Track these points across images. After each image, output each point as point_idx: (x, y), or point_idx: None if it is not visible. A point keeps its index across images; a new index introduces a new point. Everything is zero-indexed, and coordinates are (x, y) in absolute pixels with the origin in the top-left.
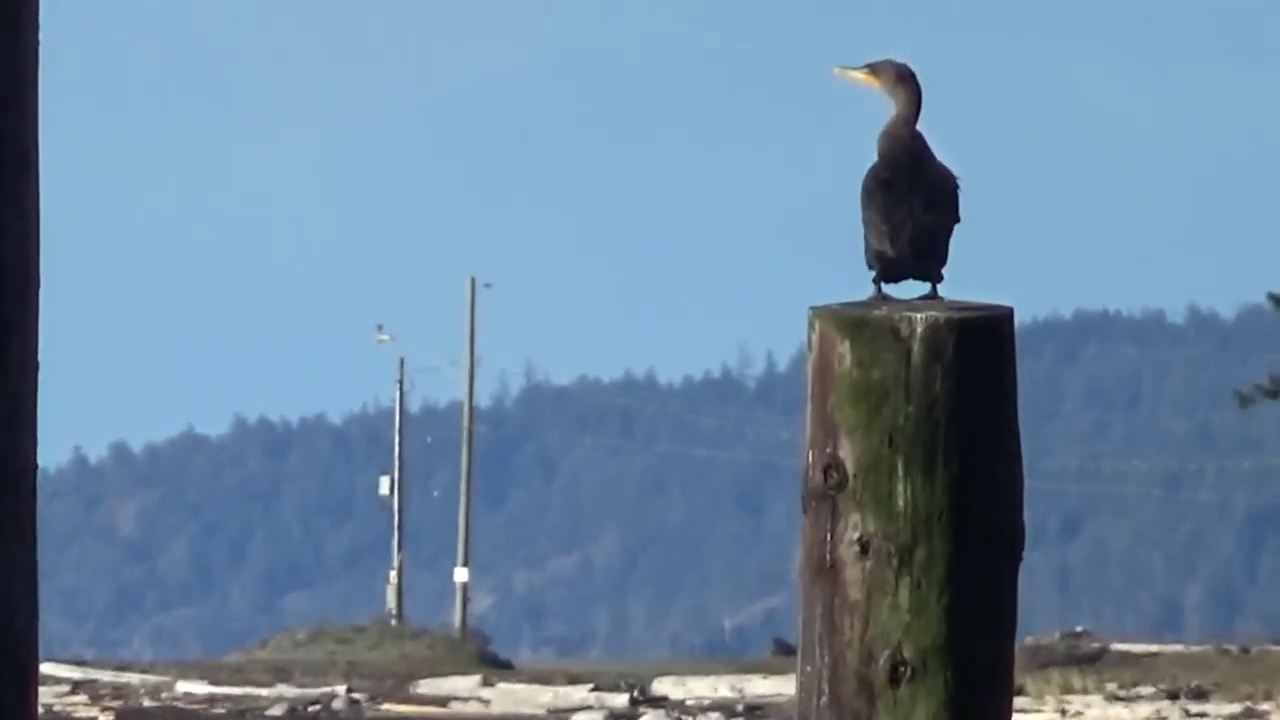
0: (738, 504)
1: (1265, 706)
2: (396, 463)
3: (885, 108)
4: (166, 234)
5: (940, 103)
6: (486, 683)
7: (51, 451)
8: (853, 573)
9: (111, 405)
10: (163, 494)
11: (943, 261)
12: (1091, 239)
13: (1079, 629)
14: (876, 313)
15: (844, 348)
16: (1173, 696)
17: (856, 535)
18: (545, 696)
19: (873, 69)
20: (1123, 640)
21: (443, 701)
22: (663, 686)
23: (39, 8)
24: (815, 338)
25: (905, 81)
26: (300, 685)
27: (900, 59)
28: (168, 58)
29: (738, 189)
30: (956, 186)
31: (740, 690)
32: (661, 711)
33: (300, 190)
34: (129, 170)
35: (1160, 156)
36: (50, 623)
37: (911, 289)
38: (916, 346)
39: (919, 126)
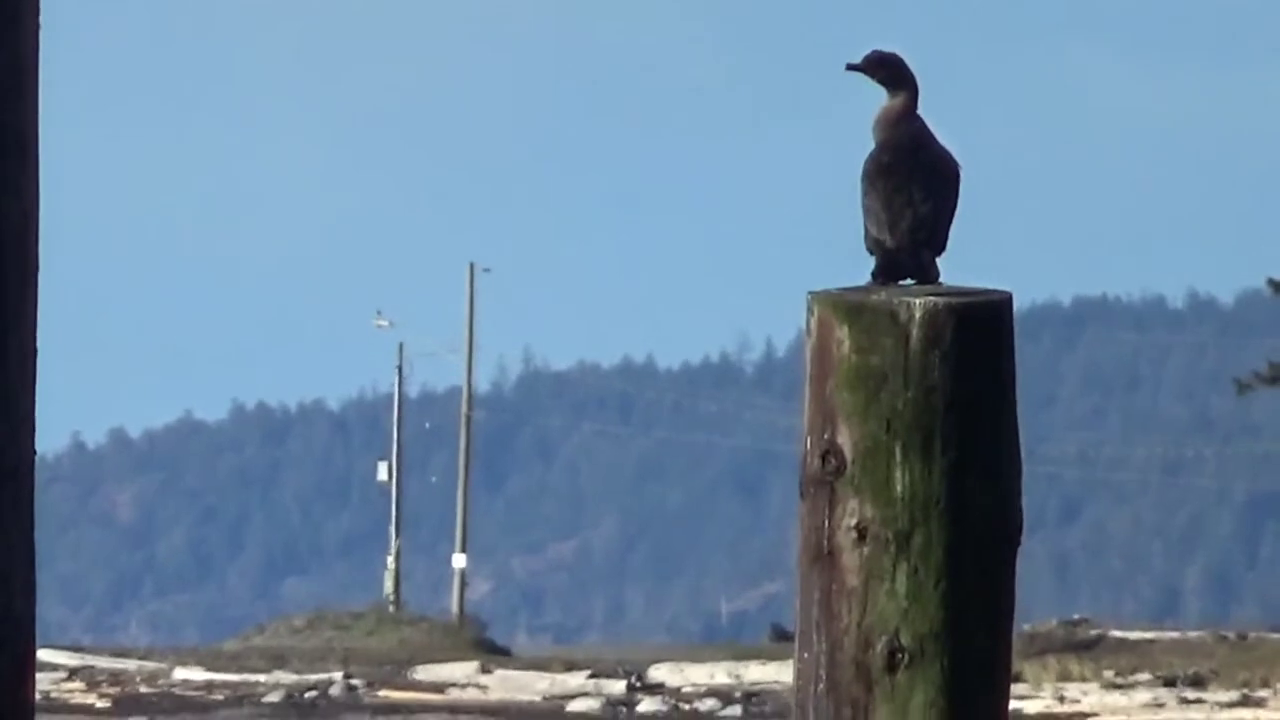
0: (736, 489)
1: (1262, 693)
2: (395, 448)
3: (881, 93)
4: (164, 220)
5: (941, 89)
6: (484, 669)
7: (50, 437)
8: (850, 559)
9: (110, 391)
10: (161, 480)
11: (941, 249)
12: (1090, 224)
13: (1077, 616)
14: (875, 297)
15: (842, 333)
16: (1170, 684)
17: (854, 521)
18: (543, 683)
19: (872, 62)
20: (1120, 627)
21: (440, 688)
22: (660, 673)
23: None
24: (814, 322)
25: (901, 73)
26: (298, 672)
27: (892, 49)
28: (167, 45)
29: (736, 174)
30: (958, 170)
31: (738, 677)
32: (659, 698)
33: (299, 176)
34: (127, 157)
35: (1160, 142)
36: (48, 609)
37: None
38: (915, 332)
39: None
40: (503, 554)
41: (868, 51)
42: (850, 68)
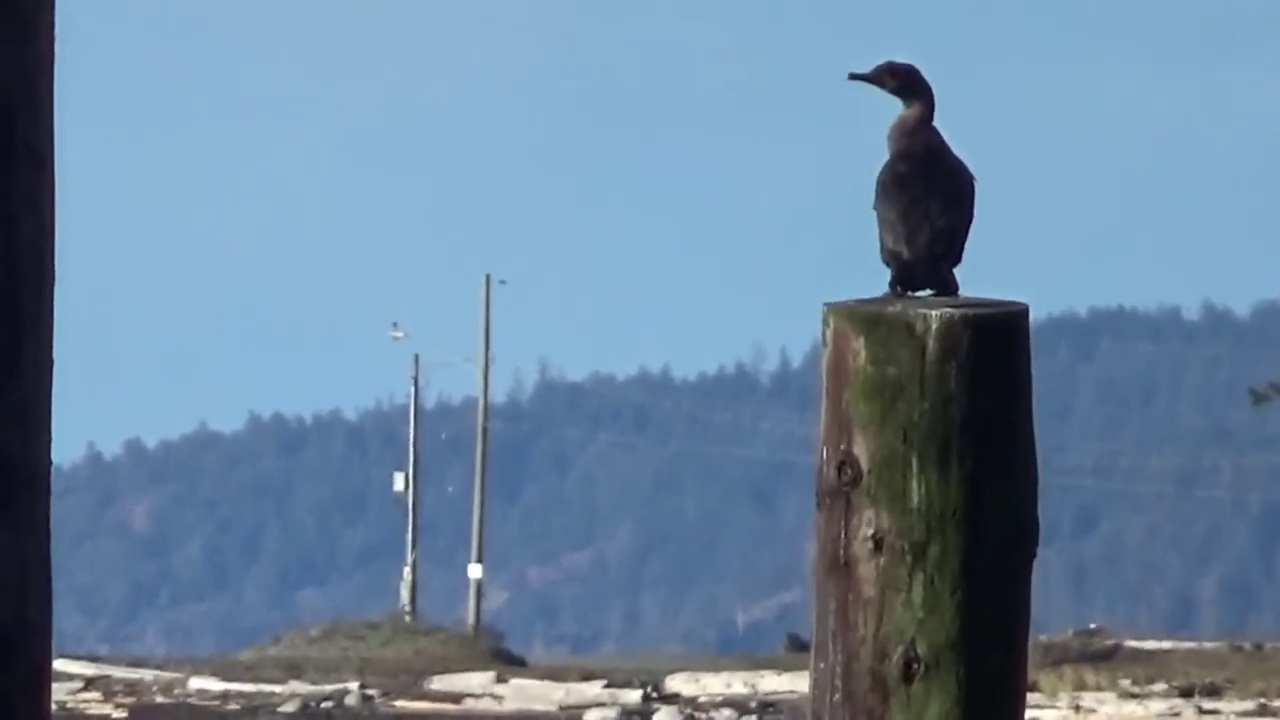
0: (752, 500)
1: (1278, 703)
2: (411, 459)
3: (897, 103)
4: (181, 231)
5: (955, 99)
6: (500, 679)
7: (66, 448)
8: (866, 569)
9: (126, 402)
10: (177, 491)
11: (957, 262)
12: (1107, 236)
13: (1093, 626)
14: (891, 309)
15: (859, 344)
16: (1186, 694)
17: (870, 532)
18: (558, 693)
19: (883, 73)
20: (1136, 637)
21: (456, 698)
22: (676, 683)
23: (55, 8)
24: (830, 334)
25: (916, 83)
26: (313, 682)
27: (907, 59)
28: (182, 55)
29: (752, 185)
30: (973, 182)
31: (753, 687)
32: (674, 708)
33: (315, 187)
34: (144, 167)
35: (1176, 153)
36: (64, 619)
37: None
38: (931, 343)
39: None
40: (519, 564)
41: (880, 62)
42: (854, 77)
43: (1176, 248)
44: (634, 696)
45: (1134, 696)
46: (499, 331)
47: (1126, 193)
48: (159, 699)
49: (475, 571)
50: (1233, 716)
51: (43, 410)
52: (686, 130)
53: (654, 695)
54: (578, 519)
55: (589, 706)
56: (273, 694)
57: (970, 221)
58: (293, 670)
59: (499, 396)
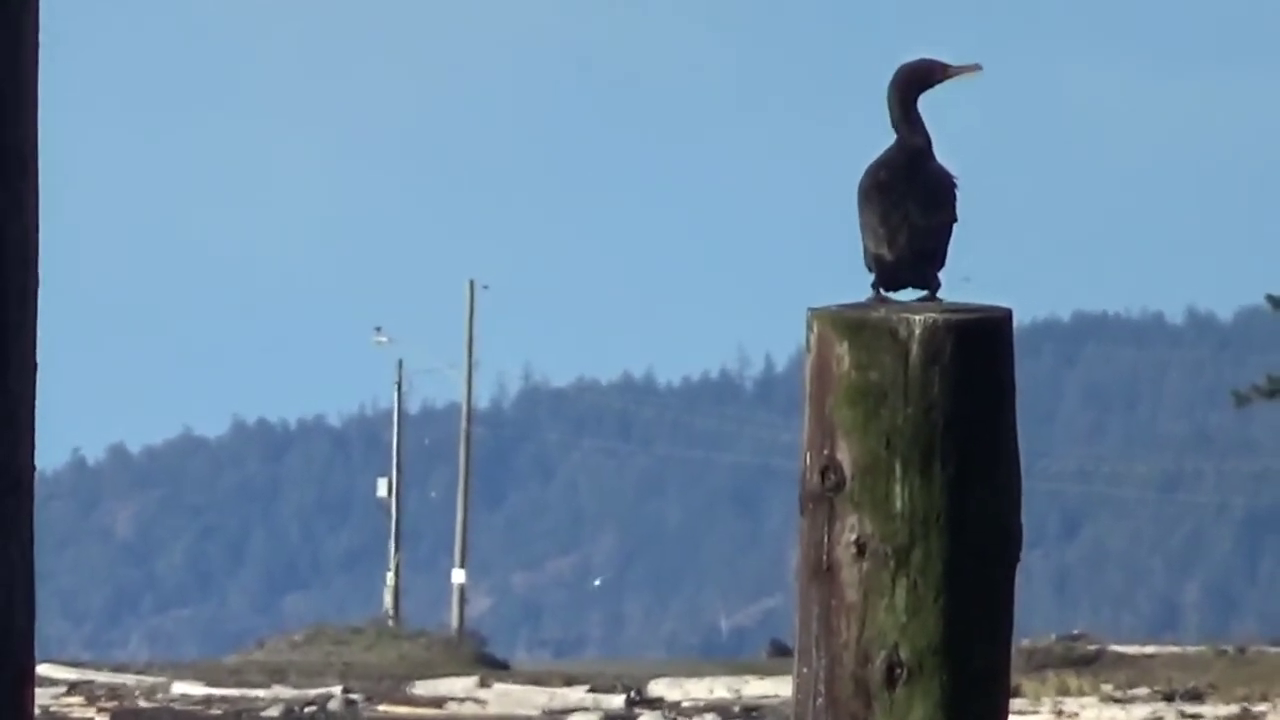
0: (735, 505)
1: (1261, 708)
2: (394, 464)
3: (881, 107)
4: (165, 235)
5: (940, 103)
6: (483, 684)
7: (49, 453)
8: (849, 574)
9: (110, 407)
10: (161, 496)
11: (940, 264)
12: (1090, 241)
13: (1075, 631)
14: (875, 314)
15: (842, 349)
16: (1169, 698)
17: (854, 537)
18: (542, 698)
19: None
20: (1119, 642)
21: (439, 702)
22: (659, 688)
23: (39, 8)
24: (813, 339)
25: (895, 82)
26: (297, 686)
27: (891, 60)
28: (165, 58)
29: (736, 189)
30: (954, 186)
31: (737, 692)
32: (658, 713)
33: (299, 191)
34: (127, 171)
35: (1159, 158)
36: (47, 624)
37: (910, 292)
38: (915, 348)
39: (929, 126)
40: (502, 569)
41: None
42: (946, 74)
43: (1160, 252)
44: (617, 701)
45: (1116, 701)
46: (483, 336)
47: (1110, 197)
48: (142, 703)
49: (459, 576)
50: None
51: (28, 415)
52: (670, 135)
53: (637, 700)
54: (561, 524)
55: (572, 711)
56: (256, 699)
57: (952, 223)
58: (276, 675)
59: (482, 402)
